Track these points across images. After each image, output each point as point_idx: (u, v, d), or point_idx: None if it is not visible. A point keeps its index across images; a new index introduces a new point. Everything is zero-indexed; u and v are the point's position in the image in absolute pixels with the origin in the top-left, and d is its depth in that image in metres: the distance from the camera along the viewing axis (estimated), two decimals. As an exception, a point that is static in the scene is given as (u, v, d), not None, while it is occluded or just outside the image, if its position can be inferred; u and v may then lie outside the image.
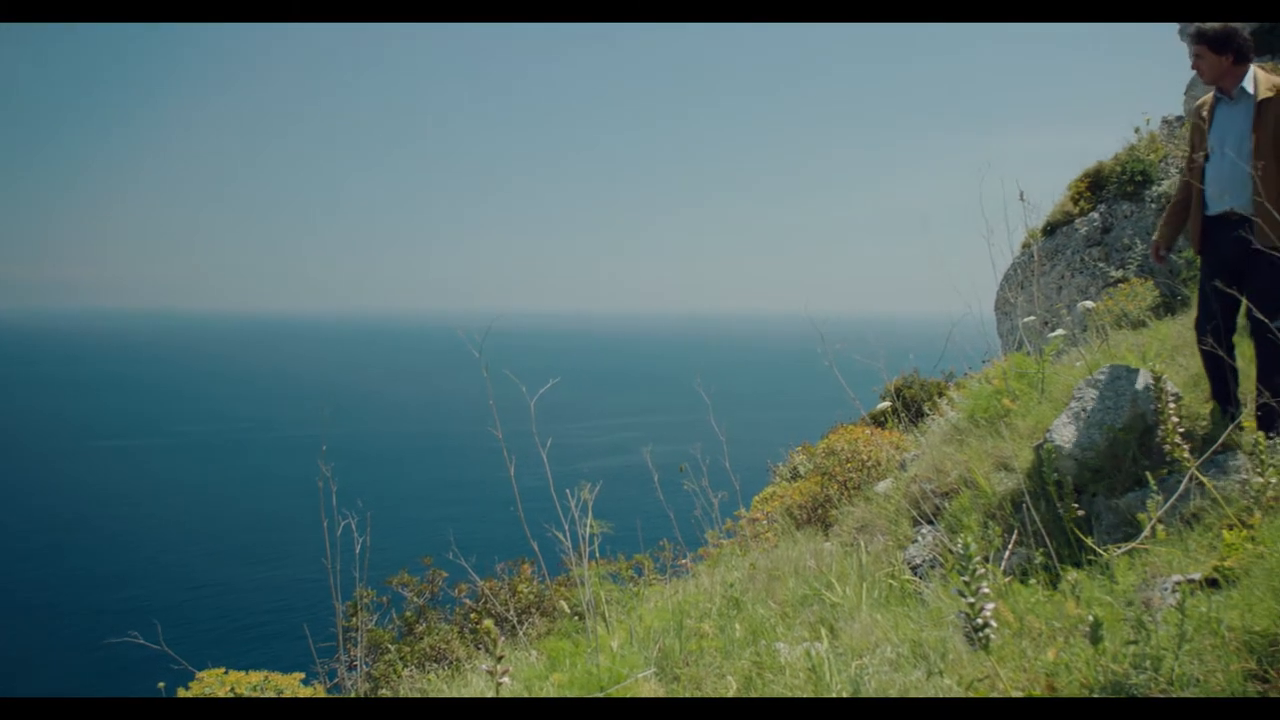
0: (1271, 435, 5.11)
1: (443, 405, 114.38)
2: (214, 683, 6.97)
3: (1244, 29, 5.77)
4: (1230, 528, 4.48)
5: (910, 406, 12.92)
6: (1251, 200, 5.59)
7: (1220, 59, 5.75)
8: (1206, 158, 5.93)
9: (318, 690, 7.42)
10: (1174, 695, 3.21)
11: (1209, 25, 5.76)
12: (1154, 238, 6.63)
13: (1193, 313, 9.27)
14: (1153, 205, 12.69)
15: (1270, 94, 5.59)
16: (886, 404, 13.13)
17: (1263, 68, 5.87)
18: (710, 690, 5.01)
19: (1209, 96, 5.99)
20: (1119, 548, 4.81)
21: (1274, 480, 4.59)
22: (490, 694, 4.22)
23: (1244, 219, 5.65)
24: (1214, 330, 5.75)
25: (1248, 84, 5.73)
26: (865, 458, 9.95)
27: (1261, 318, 5.41)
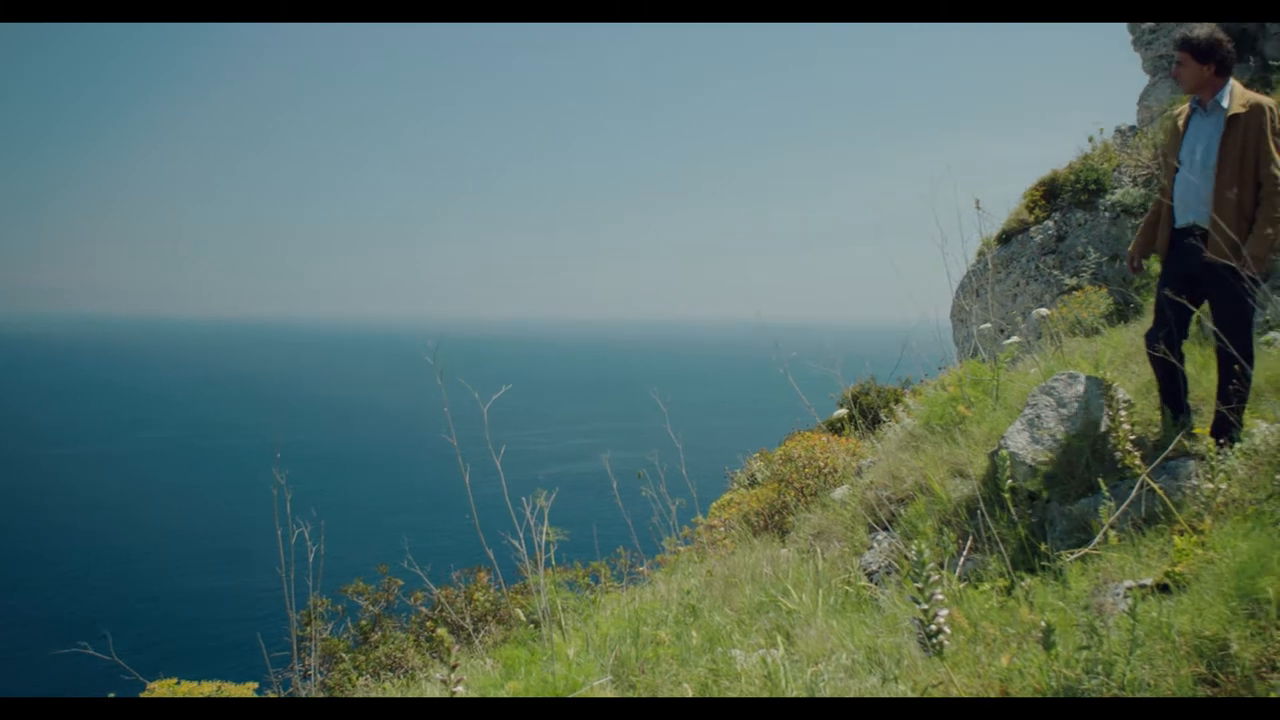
0: (1222, 442, 5.15)
1: (398, 412, 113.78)
2: (165, 693, 6.88)
3: (1229, 41, 5.76)
4: (1181, 534, 4.52)
5: (867, 414, 12.97)
6: (1209, 215, 5.62)
7: (1202, 68, 5.73)
8: (1177, 169, 5.93)
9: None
10: (1126, 698, 3.23)
11: (1195, 33, 5.75)
12: (1129, 249, 6.60)
13: (1146, 320, 9.37)
14: (1106, 214, 12.82)
15: (1242, 110, 5.57)
16: (843, 411, 13.17)
17: (1240, 81, 5.90)
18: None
19: (1185, 106, 5.98)
20: (1072, 554, 4.84)
21: (1224, 486, 4.63)
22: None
23: (1206, 233, 5.65)
24: (1166, 338, 5.76)
25: (1223, 97, 5.71)
26: (822, 464, 9.97)
27: (1217, 331, 5.45)
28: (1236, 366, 5.33)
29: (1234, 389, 5.38)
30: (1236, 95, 5.65)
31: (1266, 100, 5.58)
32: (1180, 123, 5.95)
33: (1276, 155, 5.48)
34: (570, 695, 4.99)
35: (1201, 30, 5.73)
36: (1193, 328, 7.46)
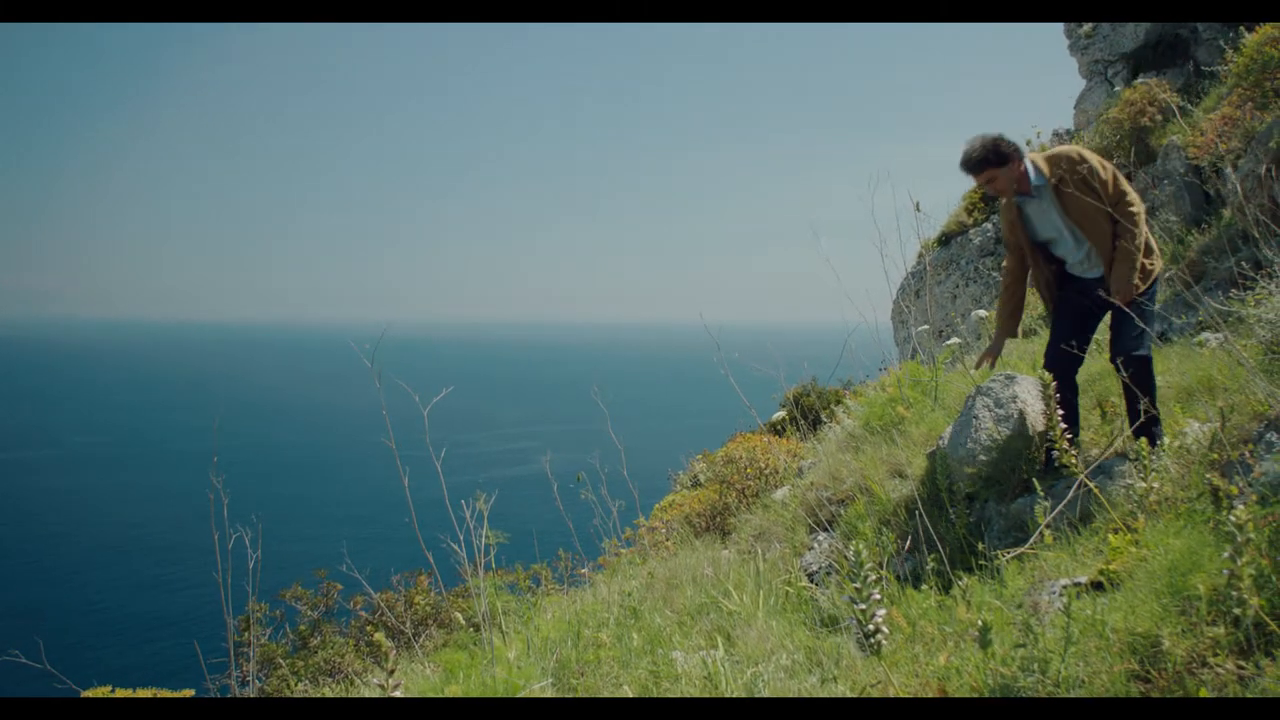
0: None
1: (341, 414, 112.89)
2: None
3: (1002, 134, 5.82)
4: (1116, 532, 4.57)
5: (808, 415, 13.03)
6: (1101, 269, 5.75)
7: (1012, 168, 5.75)
8: (1046, 249, 5.99)
9: (208, 707, 7.24)
10: (1061, 696, 3.25)
11: (977, 150, 5.74)
12: (986, 350, 6.51)
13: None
14: (1044, 217, 12.96)
15: (1048, 174, 5.69)
16: (784, 413, 13.22)
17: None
18: (607, 700, 4.98)
19: (1008, 202, 5.93)
20: (1009, 553, 4.88)
21: (1157, 485, 4.69)
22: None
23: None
24: (1065, 363, 5.80)
25: (1035, 175, 5.75)
26: (763, 466, 9.99)
27: (1123, 359, 5.46)
28: (1142, 406, 5.33)
29: (1143, 411, 5.37)
30: (1040, 166, 5.75)
31: (1059, 151, 5.72)
32: (1014, 217, 5.96)
33: (1111, 186, 5.58)
34: (511, 698, 4.96)
35: (977, 145, 5.75)
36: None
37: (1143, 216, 5.58)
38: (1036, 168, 5.73)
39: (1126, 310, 5.49)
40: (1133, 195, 5.59)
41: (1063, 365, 5.78)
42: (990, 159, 5.70)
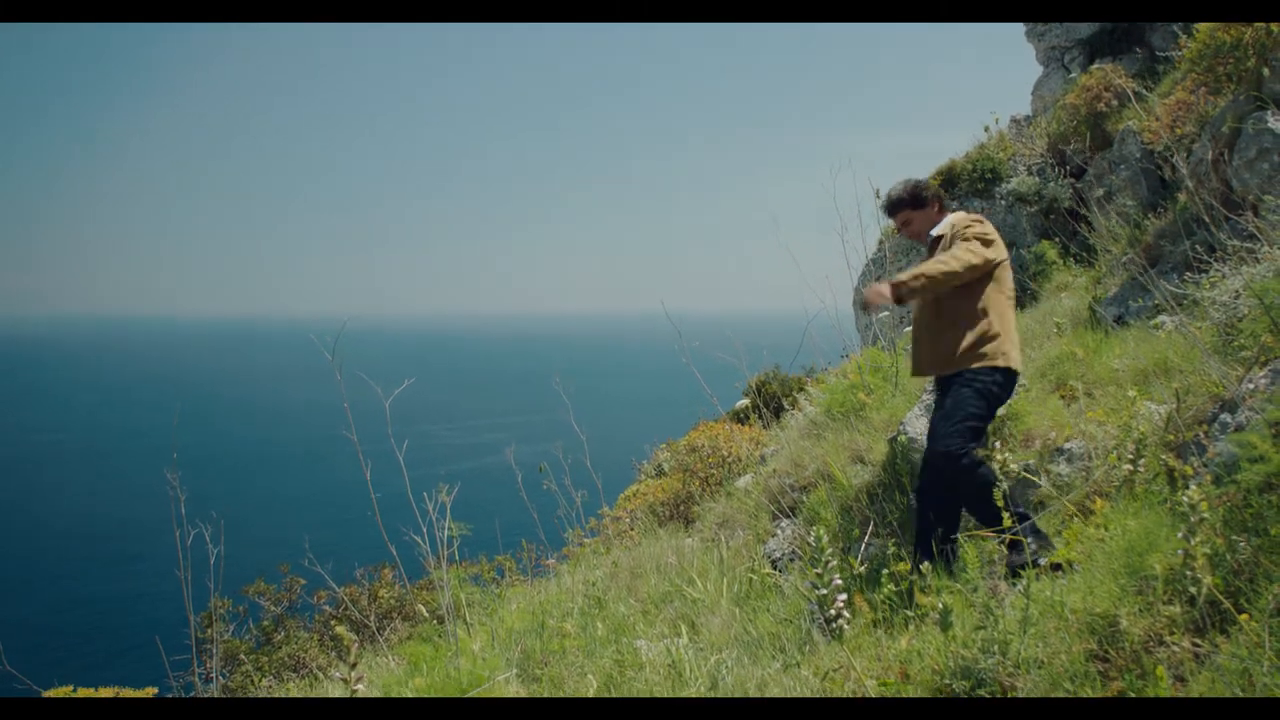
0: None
1: (302, 408, 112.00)
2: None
3: (919, 180, 5.68)
4: (1073, 516, 4.61)
5: (770, 403, 13.06)
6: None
7: (928, 212, 5.61)
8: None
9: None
10: (1023, 677, 3.28)
11: (896, 191, 5.64)
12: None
13: (1041, 307, 9.54)
14: (1002, 202, 13.03)
15: (945, 230, 5.45)
16: (747, 401, 13.25)
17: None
18: (572, 689, 4.98)
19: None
20: (969, 536, 4.91)
21: (1114, 467, 4.74)
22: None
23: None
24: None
25: (941, 229, 5.52)
26: (726, 454, 10.02)
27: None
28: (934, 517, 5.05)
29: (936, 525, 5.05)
30: (948, 221, 5.51)
31: (963, 216, 5.46)
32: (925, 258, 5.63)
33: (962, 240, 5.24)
34: (475, 690, 4.95)
35: (897, 186, 5.66)
36: (1086, 313, 7.62)
37: (971, 262, 5.07)
38: (943, 223, 5.52)
39: (959, 387, 5.09)
40: (977, 246, 5.16)
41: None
42: (906, 201, 5.61)
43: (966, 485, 4.80)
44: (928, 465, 5.11)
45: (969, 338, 5.11)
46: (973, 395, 5.00)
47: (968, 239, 5.19)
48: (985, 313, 5.16)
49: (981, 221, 5.33)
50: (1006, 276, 5.32)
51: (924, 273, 4.97)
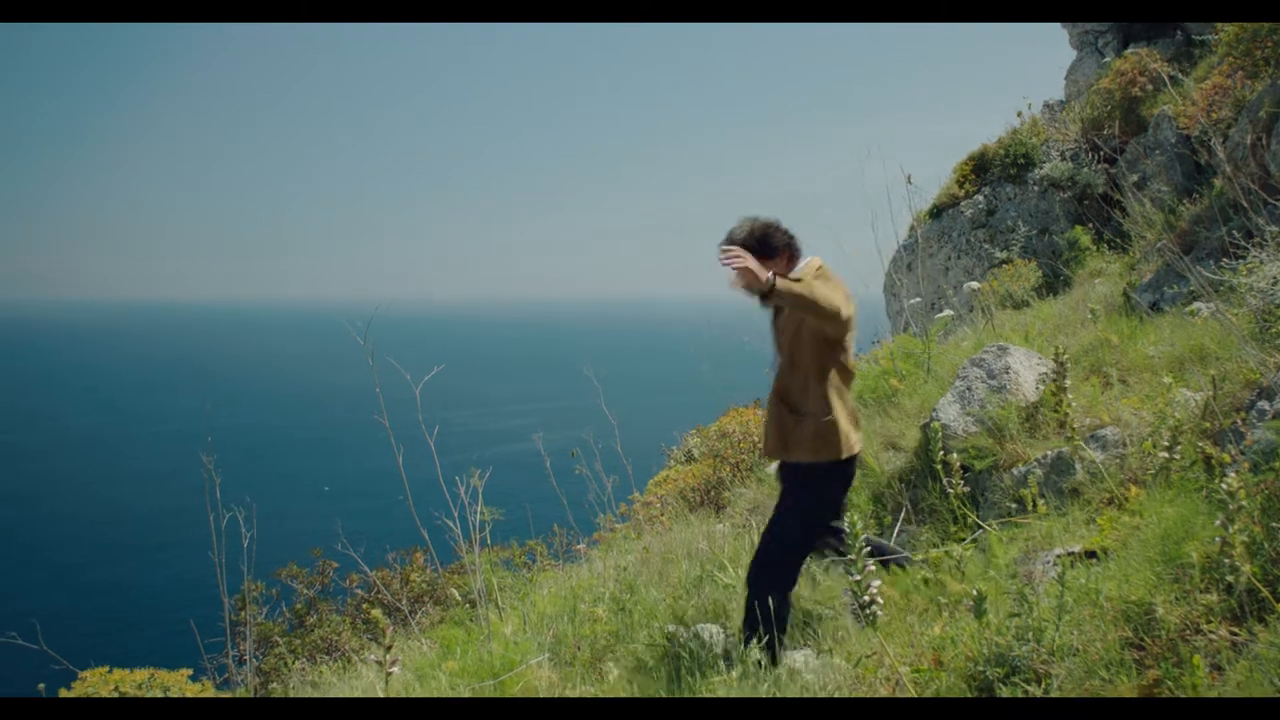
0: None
1: (333, 394, 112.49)
2: (98, 682, 6.79)
3: (774, 223, 4.91)
4: (1109, 502, 4.59)
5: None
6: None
7: (776, 262, 4.83)
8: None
9: (205, 686, 7.27)
10: (1054, 666, 3.27)
11: (743, 234, 4.83)
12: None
13: (1074, 294, 9.48)
14: (1035, 188, 12.96)
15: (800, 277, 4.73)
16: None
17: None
18: (601, 673, 5.00)
19: None
20: (1002, 523, 4.90)
21: (1149, 454, 4.71)
22: (380, 684, 4.16)
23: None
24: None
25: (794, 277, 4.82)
26: (757, 439, 10.00)
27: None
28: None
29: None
30: (804, 272, 4.84)
31: (818, 264, 4.87)
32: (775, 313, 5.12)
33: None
34: (508, 674, 4.98)
35: (743, 227, 4.86)
36: (1120, 299, 7.57)
37: (837, 309, 4.49)
38: (804, 273, 4.82)
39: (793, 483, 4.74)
40: (828, 292, 4.50)
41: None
42: (751, 246, 4.72)
43: (757, 595, 4.56)
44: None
45: (809, 424, 4.66)
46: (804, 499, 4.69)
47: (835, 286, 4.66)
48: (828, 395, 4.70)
49: (831, 276, 4.79)
50: (852, 345, 4.87)
51: (796, 290, 4.34)
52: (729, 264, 4.22)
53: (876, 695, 3.68)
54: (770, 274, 4.23)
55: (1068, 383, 5.29)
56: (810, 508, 4.68)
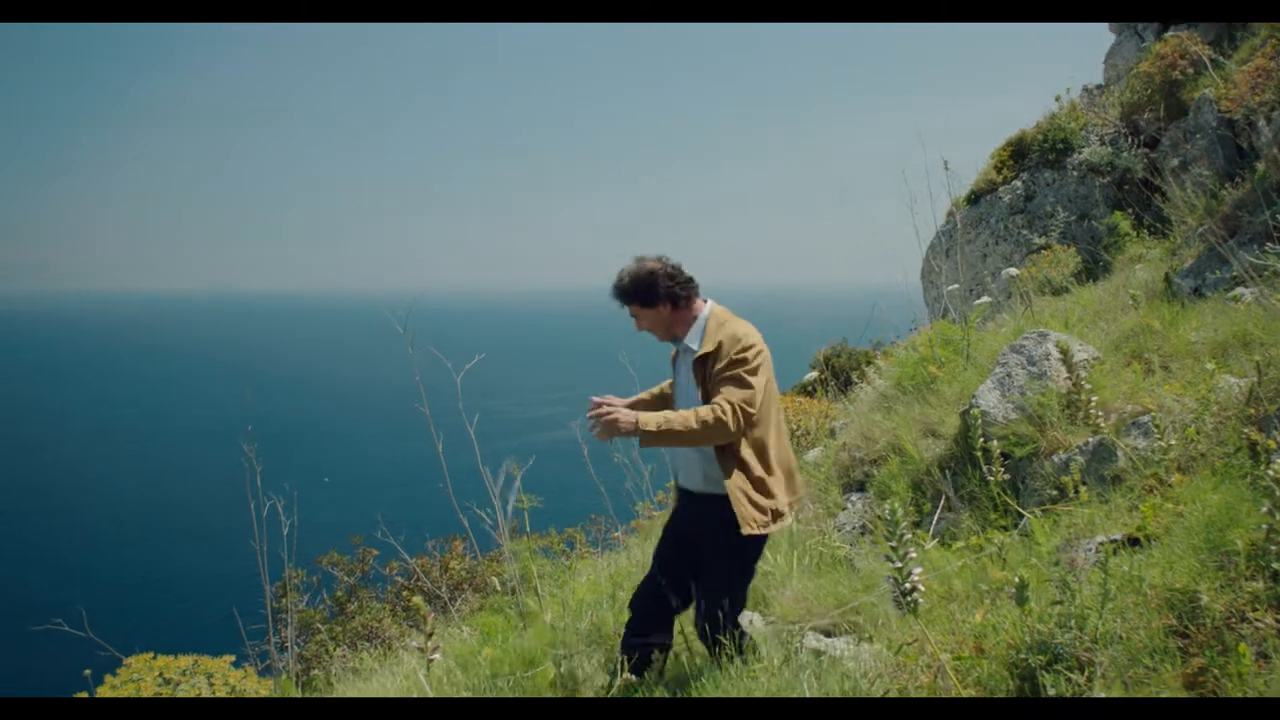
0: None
1: (370, 384, 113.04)
2: (142, 668, 6.85)
3: (664, 268, 4.69)
4: (1151, 490, 4.56)
5: (839, 376, 13.02)
6: (703, 476, 4.66)
7: (656, 311, 4.71)
8: None
9: (248, 673, 7.34)
10: (1097, 653, 3.26)
11: (624, 281, 4.71)
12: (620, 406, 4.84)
13: (1114, 279, 9.40)
14: (1074, 173, 12.85)
15: (710, 348, 4.55)
16: (815, 374, 13.21)
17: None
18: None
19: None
20: (1043, 510, 4.88)
21: (1193, 441, 4.68)
22: (422, 671, 4.18)
23: (695, 495, 4.78)
24: (646, 600, 4.87)
25: (694, 337, 4.69)
26: (795, 427, 10.00)
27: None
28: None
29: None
30: (710, 330, 4.65)
31: (736, 333, 4.57)
32: (672, 356, 5.04)
33: (724, 387, 4.44)
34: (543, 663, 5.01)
35: (626, 275, 4.72)
36: (1161, 285, 7.50)
37: (736, 414, 4.34)
38: (705, 331, 4.67)
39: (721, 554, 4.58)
40: (748, 390, 4.41)
41: (642, 602, 4.87)
42: (630, 294, 4.71)
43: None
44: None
45: (741, 488, 4.47)
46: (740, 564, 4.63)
47: (734, 383, 4.44)
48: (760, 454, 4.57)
49: (752, 346, 4.51)
50: (775, 395, 4.73)
51: (669, 423, 4.27)
52: (592, 428, 4.15)
53: (917, 682, 3.67)
54: (634, 424, 4.16)
55: (1087, 372, 5.26)
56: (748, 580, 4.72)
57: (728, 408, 4.31)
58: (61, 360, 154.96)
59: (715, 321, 4.66)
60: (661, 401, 5.17)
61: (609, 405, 4.19)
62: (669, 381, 5.16)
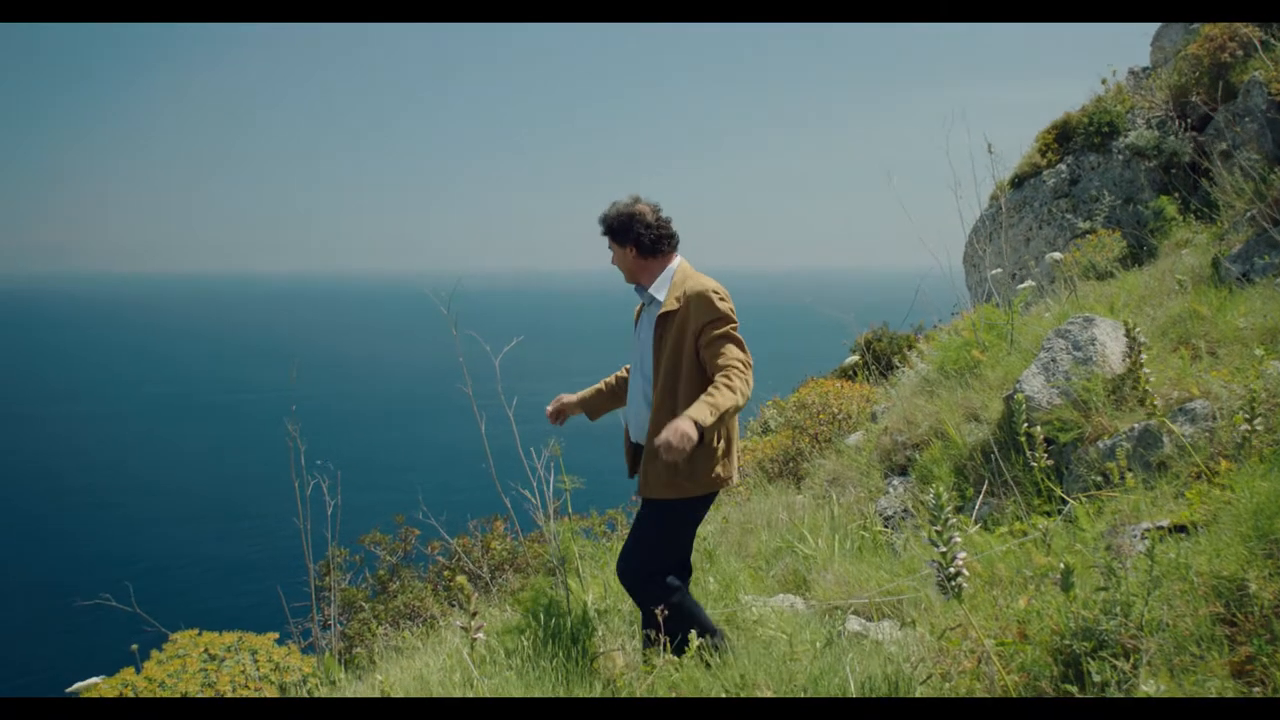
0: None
1: (410, 366, 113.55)
2: (188, 644, 6.94)
3: (653, 213, 4.75)
4: (1198, 476, 4.53)
5: (880, 359, 12.98)
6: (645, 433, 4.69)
7: (624, 251, 4.76)
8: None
9: (292, 650, 7.42)
10: (1143, 641, 3.25)
11: (610, 213, 4.76)
12: (565, 399, 5.43)
13: (1160, 264, 9.31)
14: (1119, 156, 12.73)
15: (674, 305, 4.54)
16: (856, 357, 13.18)
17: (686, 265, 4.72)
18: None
19: None
20: (1088, 496, 4.85)
21: (1241, 428, 4.63)
22: (465, 649, 4.21)
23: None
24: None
25: (659, 288, 4.69)
26: (836, 411, 9.99)
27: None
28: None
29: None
30: (676, 284, 4.65)
31: (706, 286, 4.55)
32: (636, 311, 5.04)
33: (723, 347, 4.46)
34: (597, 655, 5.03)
35: (611, 208, 4.78)
36: (1208, 270, 7.43)
37: (740, 374, 4.36)
38: (671, 283, 4.68)
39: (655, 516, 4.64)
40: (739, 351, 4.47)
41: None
42: (606, 228, 4.80)
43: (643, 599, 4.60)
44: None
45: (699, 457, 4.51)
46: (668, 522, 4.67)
47: (732, 341, 4.50)
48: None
49: (727, 301, 4.56)
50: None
51: (719, 407, 4.17)
52: (665, 455, 4.02)
53: (960, 668, 3.67)
54: (694, 431, 4.03)
55: (1144, 358, 5.21)
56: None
57: (745, 370, 4.38)
58: (98, 340, 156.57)
59: (680, 275, 4.69)
60: (611, 394, 5.34)
61: (667, 440, 4.00)
62: (614, 375, 5.36)
